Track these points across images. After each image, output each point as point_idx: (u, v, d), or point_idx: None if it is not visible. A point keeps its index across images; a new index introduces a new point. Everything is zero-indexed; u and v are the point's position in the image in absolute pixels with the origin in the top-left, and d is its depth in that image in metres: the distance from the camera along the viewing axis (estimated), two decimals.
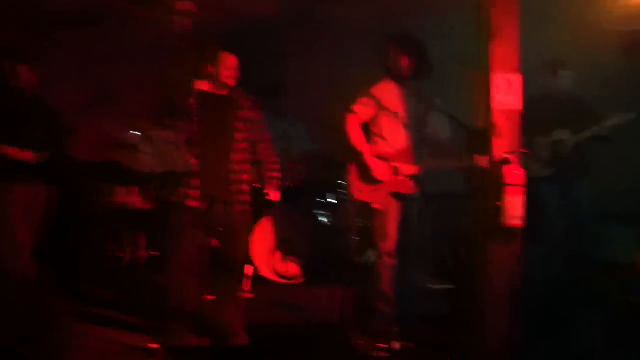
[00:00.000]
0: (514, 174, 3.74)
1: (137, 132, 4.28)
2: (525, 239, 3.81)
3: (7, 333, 3.72)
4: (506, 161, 3.76)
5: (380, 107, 4.52)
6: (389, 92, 4.55)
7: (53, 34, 6.38)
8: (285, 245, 5.80)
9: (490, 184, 3.83)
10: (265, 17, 6.39)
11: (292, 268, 5.79)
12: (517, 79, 3.83)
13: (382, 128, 4.59)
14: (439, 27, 6.09)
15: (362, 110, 4.60)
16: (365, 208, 4.64)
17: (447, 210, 5.33)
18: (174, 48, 5.66)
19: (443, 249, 5.63)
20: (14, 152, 4.92)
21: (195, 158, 4.39)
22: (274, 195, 4.71)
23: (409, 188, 4.53)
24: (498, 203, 3.73)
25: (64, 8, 6.04)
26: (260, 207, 4.79)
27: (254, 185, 4.62)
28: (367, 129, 4.66)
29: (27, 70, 5.07)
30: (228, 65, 4.46)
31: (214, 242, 4.75)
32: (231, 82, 4.48)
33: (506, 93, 3.80)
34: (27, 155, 4.94)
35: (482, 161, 4.25)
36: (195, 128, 4.44)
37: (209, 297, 4.80)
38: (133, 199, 6.30)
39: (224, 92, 4.53)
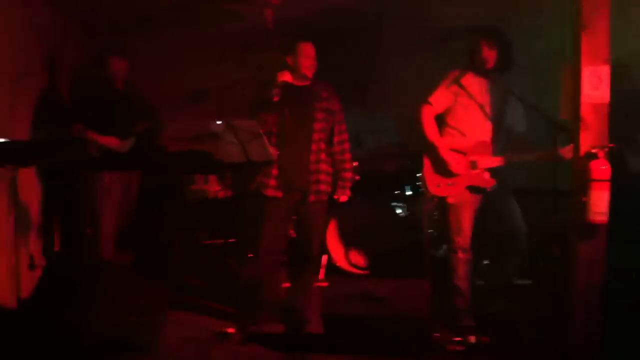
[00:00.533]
0: (601, 169, 3.63)
1: (220, 122, 4.34)
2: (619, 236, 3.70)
3: (103, 317, 3.84)
4: (593, 156, 3.66)
5: (467, 97, 4.46)
6: (474, 84, 4.49)
7: (148, 30, 6.61)
8: (360, 236, 5.82)
9: (576, 179, 3.74)
10: (354, 11, 6.39)
11: (366, 259, 5.81)
12: (605, 72, 3.71)
13: (459, 120, 4.53)
14: (533, 22, 6.01)
15: (438, 101, 4.55)
16: (440, 201, 4.60)
17: (529, 205, 5.24)
18: (261, 40, 5.79)
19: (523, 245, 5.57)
20: (102, 139, 5.09)
21: (276, 148, 4.45)
22: (341, 196, 4.73)
23: (486, 182, 4.47)
24: (584, 198, 3.64)
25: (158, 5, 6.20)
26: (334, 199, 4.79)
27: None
28: (441, 120, 4.62)
29: (118, 61, 5.25)
30: (306, 55, 4.51)
31: (291, 232, 4.83)
32: (309, 71, 4.51)
33: (594, 86, 3.70)
34: (114, 142, 5.10)
35: (567, 154, 4.19)
36: (277, 119, 4.51)
37: (285, 284, 4.87)
38: (213, 187, 6.46)
39: (305, 83, 4.58)
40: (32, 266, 5.10)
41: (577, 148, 3.77)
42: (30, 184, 5.12)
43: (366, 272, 5.75)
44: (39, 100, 5.34)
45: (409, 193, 6.18)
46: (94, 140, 5.09)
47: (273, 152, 4.41)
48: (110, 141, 5.12)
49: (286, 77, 4.43)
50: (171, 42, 6.92)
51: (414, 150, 5.44)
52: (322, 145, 4.58)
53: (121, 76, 5.30)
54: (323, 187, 4.59)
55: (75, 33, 6.10)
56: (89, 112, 5.12)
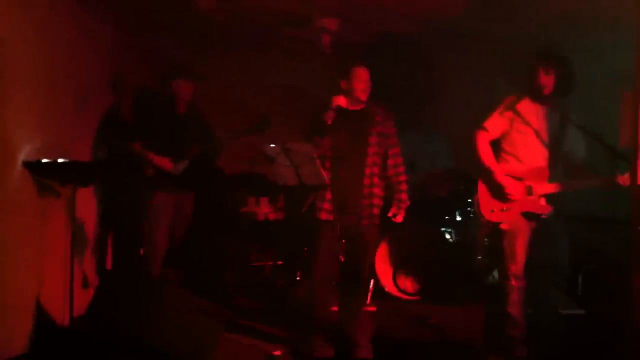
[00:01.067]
0: None
1: (276, 145, 4.37)
2: None
3: (156, 333, 3.87)
4: None
5: (524, 123, 4.41)
6: (531, 110, 4.44)
7: (211, 54, 6.77)
8: (409, 261, 5.77)
9: (635, 208, 3.65)
10: (410, 34, 6.43)
11: (415, 284, 5.75)
12: None
13: (516, 145, 4.47)
14: (594, 45, 5.95)
15: (493, 127, 4.51)
16: (494, 228, 4.54)
17: (586, 233, 5.14)
18: (320, 65, 5.86)
19: (579, 273, 5.45)
20: (157, 160, 5.18)
21: (330, 172, 4.46)
22: (396, 218, 4.70)
23: (542, 208, 4.39)
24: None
25: (221, 30, 6.35)
26: (386, 223, 4.77)
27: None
28: (497, 146, 4.57)
29: (183, 83, 5.32)
30: (360, 79, 4.52)
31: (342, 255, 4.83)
32: (363, 96, 4.53)
33: None
34: (168, 164, 5.19)
35: (626, 182, 4.10)
36: (331, 142, 4.53)
37: (334, 308, 4.86)
38: (265, 209, 6.50)
39: (359, 107, 4.60)
40: (85, 285, 5.20)
41: (635, 176, 3.68)
42: (87, 203, 5.24)
43: (415, 297, 5.69)
44: (101, 121, 5.47)
45: (459, 219, 6.11)
46: (150, 161, 5.16)
47: (326, 176, 4.42)
48: (164, 163, 5.19)
49: (341, 101, 4.45)
50: (232, 66, 7.07)
51: (467, 176, 5.38)
52: (376, 170, 4.58)
53: (185, 99, 5.36)
54: (376, 211, 4.58)
55: (138, 55, 6.25)
56: (148, 132, 5.22)
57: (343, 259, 4.98)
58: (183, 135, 5.28)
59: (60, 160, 4.41)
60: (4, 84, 4.00)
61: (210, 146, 5.39)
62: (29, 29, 4.31)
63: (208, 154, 5.40)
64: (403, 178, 4.70)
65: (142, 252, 5.39)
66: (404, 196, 4.70)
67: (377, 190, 4.58)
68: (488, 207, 4.47)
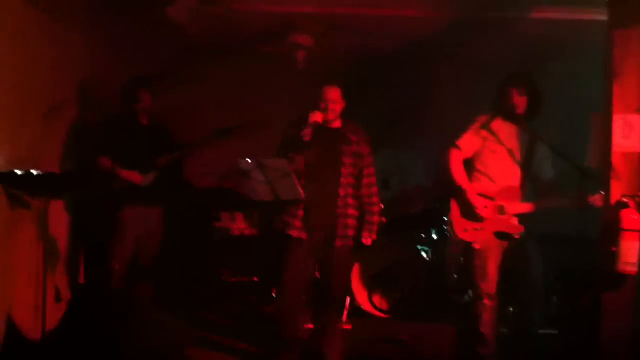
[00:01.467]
0: (631, 218, 3.62)
1: (250, 160, 4.35)
2: None
3: (127, 350, 3.84)
4: (624, 205, 3.65)
5: (497, 142, 4.47)
6: (504, 129, 4.50)
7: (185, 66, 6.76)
8: (384, 279, 5.79)
9: (605, 228, 3.72)
10: (384, 52, 6.50)
11: (390, 302, 5.77)
12: (637, 121, 3.72)
13: (488, 165, 4.52)
14: (564, 69, 6.06)
15: (466, 145, 4.55)
16: (467, 246, 4.58)
17: (557, 253, 5.20)
18: (294, 81, 5.87)
19: (551, 293, 5.50)
20: (123, 173, 5.12)
21: (304, 189, 4.45)
22: (365, 240, 4.66)
23: (514, 228, 4.44)
24: (613, 248, 3.61)
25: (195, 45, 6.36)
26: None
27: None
28: (469, 165, 4.61)
29: (143, 95, 5.27)
30: (330, 99, 4.51)
31: (316, 273, 4.81)
32: (332, 115, 4.52)
33: (626, 135, 3.71)
34: (135, 177, 5.14)
35: (597, 202, 4.17)
36: (306, 160, 4.52)
37: (307, 325, 4.85)
38: (239, 225, 6.47)
39: (335, 126, 4.61)
40: (58, 298, 5.12)
41: (607, 197, 3.77)
42: (58, 216, 5.17)
43: (390, 315, 5.71)
44: (68, 132, 5.41)
45: (434, 237, 6.15)
46: (117, 174, 5.11)
47: (301, 192, 4.41)
48: (132, 175, 5.13)
49: (317, 117, 4.45)
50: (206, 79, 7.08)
51: (442, 194, 5.42)
52: (350, 190, 4.55)
53: (146, 110, 5.32)
54: (350, 232, 4.55)
55: (108, 66, 6.21)
56: (113, 145, 5.15)
57: (318, 276, 4.96)
58: (148, 146, 5.22)
59: (32, 172, 4.36)
60: None
61: (176, 156, 5.29)
62: None
63: (174, 164, 5.31)
64: (375, 200, 4.67)
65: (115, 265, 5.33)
66: (375, 218, 4.65)
67: (351, 211, 4.55)
68: (461, 225, 4.50)
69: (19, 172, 4.27)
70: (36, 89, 4.86)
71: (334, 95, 4.52)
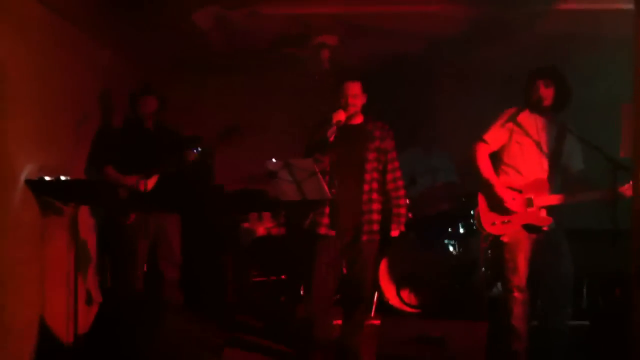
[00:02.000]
0: None
1: (277, 160, 4.38)
2: None
3: (163, 355, 3.86)
4: None
5: (524, 134, 4.43)
6: (530, 121, 4.46)
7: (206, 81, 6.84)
8: (413, 274, 5.77)
9: (636, 219, 3.64)
10: (412, 51, 6.50)
11: (418, 297, 5.75)
12: None
13: (515, 157, 4.48)
14: (593, 60, 6.00)
15: (493, 139, 4.52)
16: (495, 240, 4.54)
17: (589, 245, 5.13)
18: (319, 81, 5.89)
19: (581, 286, 5.43)
20: (125, 179, 5.11)
21: (330, 187, 4.47)
22: (394, 232, 4.70)
23: (542, 220, 4.39)
24: None
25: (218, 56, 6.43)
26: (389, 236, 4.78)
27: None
28: (496, 158, 4.58)
29: (148, 100, 5.30)
30: (350, 93, 4.53)
31: (343, 270, 4.82)
32: (353, 109, 4.54)
33: None
34: (138, 183, 5.10)
35: (627, 192, 4.10)
36: (331, 158, 4.54)
37: (336, 322, 4.85)
38: (266, 224, 6.51)
39: (357, 122, 4.62)
40: (89, 301, 5.19)
41: (637, 187, 3.68)
42: (88, 220, 5.26)
43: (419, 310, 5.69)
44: (92, 140, 5.48)
45: (462, 231, 6.12)
46: (121, 182, 5.09)
47: (327, 191, 4.42)
48: (134, 182, 5.10)
49: (340, 116, 4.47)
50: (228, 90, 7.16)
51: (469, 189, 5.39)
52: (375, 185, 4.58)
53: (151, 116, 5.33)
54: (375, 227, 4.58)
55: (134, 78, 6.31)
56: (115, 153, 5.19)
57: (345, 272, 4.96)
58: (151, 151, 5.20)
59: (62, 178, 4.43)
60: (4, 105, 4.05)
61: (175, 160, 5.17)
62: (27, 52, 4.37)
63: (178, 170, 5.20)
64: (402, 192, 4.70)
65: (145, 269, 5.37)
66: (402, 210, 4.69)
67: (376, 206, 4.57)
68: (488, 219, 4.46)
69: (49, 179, 4.34)
70: (65, 98, 4.95)
71: (354, 89, 4.54)
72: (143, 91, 5.32)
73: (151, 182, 5.12)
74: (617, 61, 4.61)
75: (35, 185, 4.31)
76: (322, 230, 4.56)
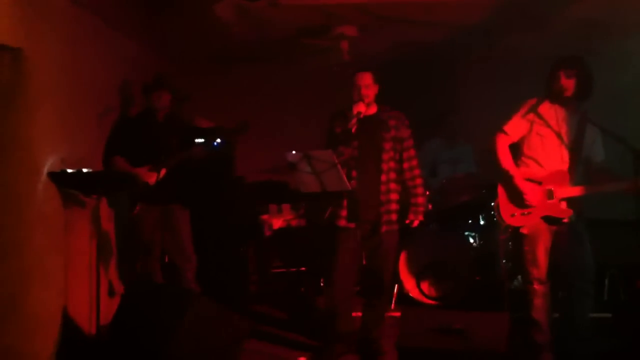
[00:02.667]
0: None
1: (297, 152, 4.39)
2: None
3: (186, 345, 3.88)
4: None
5: (544, 125, 4.38)
6: (551, 112, 4.40)
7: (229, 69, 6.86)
8: (433, 266, 5.76)
9: None
10: (431, 43, 6.46)
11: (438, 289, 5.74)
12: None
13: (535, 149, 4.43)
14: (619, 50, 5.91)
15: (513, 130, 4.48)
16: (515, 232, 4.51)
17: (611, 237, 5.07)
18: (338, 72, 5.88)
19: (602, 277, 5.38)
20: (134, 170, 5.12)
21: (349, 179, 4.47)
22: (414, 220, 4.70)
23: (562, 212, 4.34)
24: None
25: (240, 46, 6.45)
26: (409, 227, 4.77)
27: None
28: (517, 150, 4.54)
29: (163, 94, 5.30)
30: (363, 84, 4.54)
31: (363, 261, 4.82)
32: (367, 100, 4.54)
33: None
34: (148, 175, 5.12)
35: None
36: (349, 149, 4.54)
37: (356, 314, 4.86)
38: (286, 217, 6.52)
39: (371, 112, 4.62)
40: (111, 293, 5.25)
41: None
42: (110, 212, 5.30)
43: (439, 302, 5.68)
44: (111, 131, 5.52)
45: (482, 223, 6.08)
46: (130, 173, 5.10)
47: (347, 183, 4.42)
48: (142, 173, 5.11)
49: (361, 107, 4.47)
50: (250, 78, 7.17)
51: (490, 180, 5.36)
52: (392, 175, 4.58)
53: (162, 108, 5.34)
54: (394, 217, 4.59)
55: (158, 69, 6.34)
56: (125, 144, 5.21)
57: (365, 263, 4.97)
58: (161, 143, 5.21)
59: (84, 170, 4.48)
60: (28, 97, 4.10)
61: (183, 154, 5.17)
62: (52, 44, 4.41)
63: (186, 162, 5.19)
64: (419, 181, 4.68)
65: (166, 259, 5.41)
66: (420, 200, 4.69)
67: (394, 195, 4.58)
68: (508, 211, 4.43)
69: (71, 171, 4.39)
70: (89, 90, 5.00)
71: (366, 80, 4.54)
72: (155, 85, 5.33)
73: (160, 175, 5.13)
74: None
75: (58, 178, 4.36)
76: (342, 223, 4.57)
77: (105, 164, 5.22)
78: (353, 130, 4.44)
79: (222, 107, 5.87)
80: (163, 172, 5.10)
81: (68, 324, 4.48)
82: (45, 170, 4.29)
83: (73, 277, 4.61)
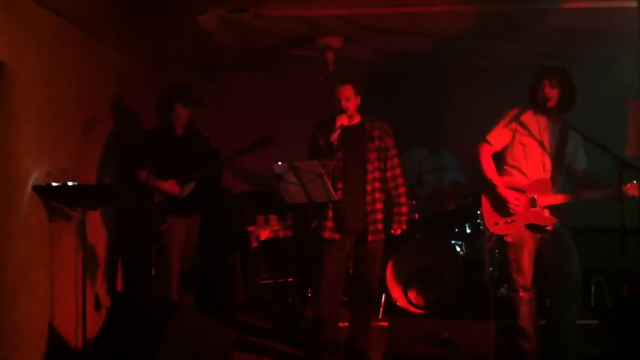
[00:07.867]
0: None
1: (283, 163, 4.40)
2: None
3: (172, 358, 3.87)
4: None
5: (527, 135, 4.41)
6: (534, 121, 4.44)
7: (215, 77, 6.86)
8: (420, 275, 5.77)
9: None
10: (417, 51, 6.48)
11: (425, 298, 5.75)
12: None
13: (518, 158, 4.46)
14: (599, 58, 5.95)
15: (496, 139, 4.51)
16: (499, 240, 4.53)
17: (596, 243, 5.10)
18: (324, 82, 5.89)
19: (589, 284, 5.41)
20: (162, 185, 5.16)
21: (334, 190, 4.48)
22: (395, 231, 4.74)
23: (545, 220, 4.37)
24: None
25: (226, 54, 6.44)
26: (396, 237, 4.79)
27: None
28: (501, 159, 4.57)
29: (181, 108, 5.31)
30: (343, 96, 4.57)
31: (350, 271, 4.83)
32: (348, 112, 4.56)
33: None
34: (173, 189, 5.18)
35: (631, 191, 4.08)
36: (334, 161, 4.55)
37: (343, 324, 4.86)
38: (274, 228, 6.52)
39: (355, 122, 4.64)
40: (97, 306, 5.23)
41: None
42: (96, 225, 5.29)
43: (426, 311, 5.69)
44: (106, 145, 5.52)
45: (468, 231, 6.11)
46: (157, 187, 5.16)
47: (333, 194, 4.43)
48: (170, 187, 5.17)
49: (343, 120, 4.49)
50: (236, 86, 7.17)
51: (476, 189, 5.39)
52: (377, 184, 4.61)
53: (182, 122, 5.37)
54: (380, 226, 4.61)
55: (143, 78, 6.33)
56: (150, 158, 5.20)
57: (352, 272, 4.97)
58: (184, 157, 5.27)
59: (69, 184, 4.47)
60: (12, 110, 4.09)
61: (212, 166, 5.36)
62: (36, 56, 4.40)
63: (211, 174, 5.36)
64: (402, 190, 4.71)
65: (152, 273, 5.41)
66: (404, 209, 4.73)
67: (379, 205, 4.61)
68: (492, 219, 4.47)
69: (56, 184, 4.38)
70: (73, 102, 4.98)
71: (347, 92, 4.57)
72: (175, 96, 5.31)
73: (188, 188, 5.22)
74: (625, 58, 4.58)
75: (43, 191, 4.34)
76: (327, 234, 4.58)
77: (131, 179, 5.20)
78: (335, 143, 4.46)
79: (207, 116, 5.85)
80: (192, 185, 5.21)
81: (54, 337, 4.46)
82: (30, 183, 4.28)
83: (59, 291, 4.59)
